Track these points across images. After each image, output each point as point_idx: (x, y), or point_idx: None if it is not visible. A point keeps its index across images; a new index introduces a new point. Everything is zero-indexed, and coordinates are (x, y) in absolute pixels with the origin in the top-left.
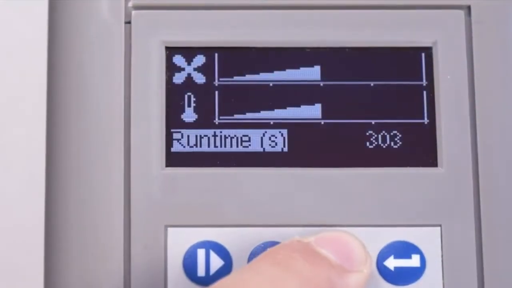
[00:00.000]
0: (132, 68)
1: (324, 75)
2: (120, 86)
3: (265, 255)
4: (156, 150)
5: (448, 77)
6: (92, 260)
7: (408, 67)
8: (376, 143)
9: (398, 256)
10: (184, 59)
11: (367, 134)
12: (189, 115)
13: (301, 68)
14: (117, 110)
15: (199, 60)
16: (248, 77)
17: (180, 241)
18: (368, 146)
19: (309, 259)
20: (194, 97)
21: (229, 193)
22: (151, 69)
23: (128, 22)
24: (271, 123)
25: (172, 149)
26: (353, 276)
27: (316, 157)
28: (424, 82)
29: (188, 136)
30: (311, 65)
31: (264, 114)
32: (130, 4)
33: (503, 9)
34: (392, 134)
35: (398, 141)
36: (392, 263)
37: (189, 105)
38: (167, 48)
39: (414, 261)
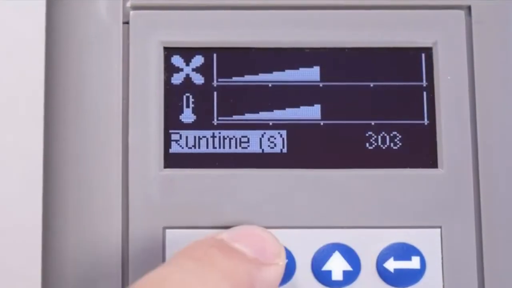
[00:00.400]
0: (130, 68)
1: (323, 76)
2: (118, 87)
3: (182, 252)
4: (154, 151)
5: (449, 77)
6: (90, 262)
7: (408, 67)
8: (375, 144)
9: (398, 258)
10: (182, 60)
11: (367, 135)
12: (187, 116)
13: (300, 69)
14: (115, 111)
15: (198, 60)
16: (247, 77)
17: (178, 242)
18: (367, 147)
19: (227, 254)
20: (193, 98)
21: (228, 195)
22: (149, 69)
23: (126, 23)
24: (270, 124)
25: (171, 150)
26: (271, 269)
27: (316, 158)
28: (424, 83)
29: (187, 137)
30: (310, 65)
31: (263, 115)
32: (128, 4)
33: (504, 9)
34: (392, 135)
35: (398, 142)
36: (392, 265)
37: (187, 106)
38: (165, 49)
39: (414, 263)
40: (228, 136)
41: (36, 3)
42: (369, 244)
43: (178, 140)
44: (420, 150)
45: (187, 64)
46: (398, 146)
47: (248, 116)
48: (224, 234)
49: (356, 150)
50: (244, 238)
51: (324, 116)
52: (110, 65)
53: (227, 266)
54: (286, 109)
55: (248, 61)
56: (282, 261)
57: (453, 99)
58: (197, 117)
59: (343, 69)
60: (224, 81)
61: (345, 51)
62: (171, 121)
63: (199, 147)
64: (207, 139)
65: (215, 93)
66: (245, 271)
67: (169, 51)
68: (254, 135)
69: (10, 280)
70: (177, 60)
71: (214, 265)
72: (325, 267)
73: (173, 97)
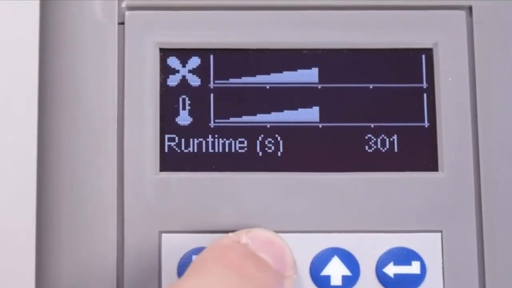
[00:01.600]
0: (125, 70)
1: (322, 77)
2: (114, 88)
3: (215, 256)
4: (150, 154)
5: (449, 79)
6: (84, 266)
7: (408, 69)
8: (375, 147)
9: (397, 262)
10: (178, 61)
11: (366, 137)
12: (183, 118)
13: (299, 70)
14: (110, 113)
15: (194, 62)
16: (244, 79)
17: (174, 247)
18: (367, 150)
19: (258, 265)
20: (189, 99)
21: (225, 198)
22: (145, 71)
23: (121, 23)
24: (268, 126)
25: (166, 153)
26: (287, 282)
27: (314, 162)
28: (425, 85)
29: (183, 140)
30: (308, 67)
31: (260, 117)
32: (123, 4)
33: (505, 10)
34: (391, 137)
35: (397, 145)
36: (391, 270)
37: (183, 108)
38: (161, 50)
39: (414, 268)
40: (225, 139)
41: (29, 3)
42: (368, 248)
43: (174, 143)
44: (420, 153)
45: (184, 66)
46: (398, 149)
47: (245, 118)
48: (245, 239)
49: (355, 153)
50: (267, 248)
51: (322, 118)
52: (105, 66)
53: (260, 279)
54: (284, 111)
55: (245, 62)
56: (295, 273)
57: (454, 101)
58: (193, 120)
59: (342, 70)
60: (221, 83)
61: (344, 52)
62: (167, 124)
63: (195, 150)
64: (204, 141)
65: (211, 95)
66: (272, 285)
67: (165, 52)
68: (251, 138)
69: (4, 286)
70: (173, 62)
71: (250, 278)
72: (324, 272)
73: (169, 99)
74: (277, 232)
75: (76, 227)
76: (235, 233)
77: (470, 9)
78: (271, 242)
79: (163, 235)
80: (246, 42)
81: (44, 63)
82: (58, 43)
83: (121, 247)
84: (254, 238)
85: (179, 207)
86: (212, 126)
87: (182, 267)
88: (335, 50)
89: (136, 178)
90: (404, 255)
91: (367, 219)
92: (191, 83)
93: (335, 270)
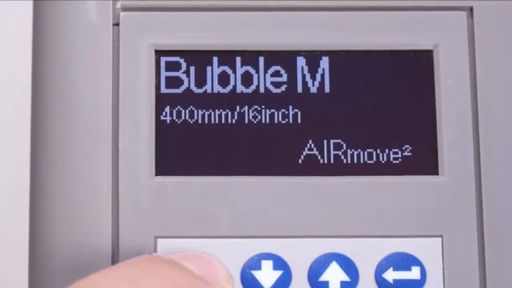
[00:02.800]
0: (120, 72)
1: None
2: (108, 91)
3: (128, 260)
4: (145, 157)
5: (450, 81)
6: (79, 273)
7: (408, 70)
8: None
9: (397, 268)
10: None
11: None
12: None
13: None
14: (105, 116)
15: None
16: None
17: (170, 252)
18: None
19: (172, 266)
20: None
21: (222, 203)
22: (140, 73)
23: (116, 24)
24: (266, 128)
25: (162, 157)
26: None
27: (313, 165)
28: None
29: (179, 143)
30: None
31: (258, 120)
32: (118, 5)
33: (506, 10)
34: (391, 140)
35: (397, 148)
36: (391, 275)
37: None
38: (156, 51)
39: (414, 274)
40: (222, 142)
41: (23, 4)
42: (367, 254)
43: (170, 146)
44: (420, 157)
45: None
46: (398, 152)
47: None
48: (172, 255)
49: (355, 156)
50: (193, 260)
51: None
52: (99, 68)
53: (168, 273)
54: None
55: (242, 63)
56: (230, 287)
57: (454, 103)
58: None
59: (341, 72)
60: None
61: (343, 54)
62: (163, 127)
63: (192, 154)
64: (200, 145)
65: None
66: (189, 283)
67: (160, 54)
68: (249, 141)
69: None
70: None
71: (154, 271)
72: (322, 278)
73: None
74: (274, 237)
75: (70, 233)
76: None
77: (471, 10)
78: (198, 257)
79: (159, 240)
80: (243, 43)
81: (37, 64)
82: (51, 45)
83: (116, 252)
84: (181, 253)
85: (175, 212)
86: (209, 130)
87: None
88: (334, 52)
89: (131, 182)
90: (404, 260)
91: (366, 224)
92: None
93: (334, 275)
